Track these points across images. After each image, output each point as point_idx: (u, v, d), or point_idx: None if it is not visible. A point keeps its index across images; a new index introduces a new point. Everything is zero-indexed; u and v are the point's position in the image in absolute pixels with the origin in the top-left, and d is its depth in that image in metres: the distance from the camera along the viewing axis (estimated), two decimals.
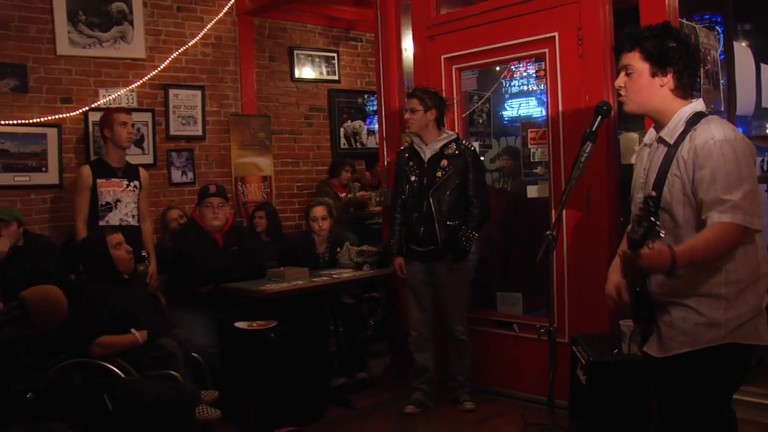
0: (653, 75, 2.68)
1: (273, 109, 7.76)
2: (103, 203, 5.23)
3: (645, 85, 2.69)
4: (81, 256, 4.55)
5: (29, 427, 2.42)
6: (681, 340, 2.60)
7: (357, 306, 5.97)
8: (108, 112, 5.38)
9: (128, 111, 5.54)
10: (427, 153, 4.83)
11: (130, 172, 5.41)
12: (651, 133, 2.83)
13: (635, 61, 2.69)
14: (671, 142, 2.65)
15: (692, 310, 2.58)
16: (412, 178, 4.88)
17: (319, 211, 5.72)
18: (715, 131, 2.53)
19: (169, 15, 6.90)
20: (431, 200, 4.75)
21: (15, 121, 5.87)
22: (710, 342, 2.55)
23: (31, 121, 5.95)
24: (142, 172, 5.54)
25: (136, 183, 5.40)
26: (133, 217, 5.34)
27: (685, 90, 2.71)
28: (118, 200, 5.28)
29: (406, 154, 4.98)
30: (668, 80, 2.68)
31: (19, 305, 1.69)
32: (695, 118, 2.63)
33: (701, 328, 2.56)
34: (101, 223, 5.18)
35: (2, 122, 5.80)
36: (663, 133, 2.70)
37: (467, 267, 4.91)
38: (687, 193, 2.56)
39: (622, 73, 2.74)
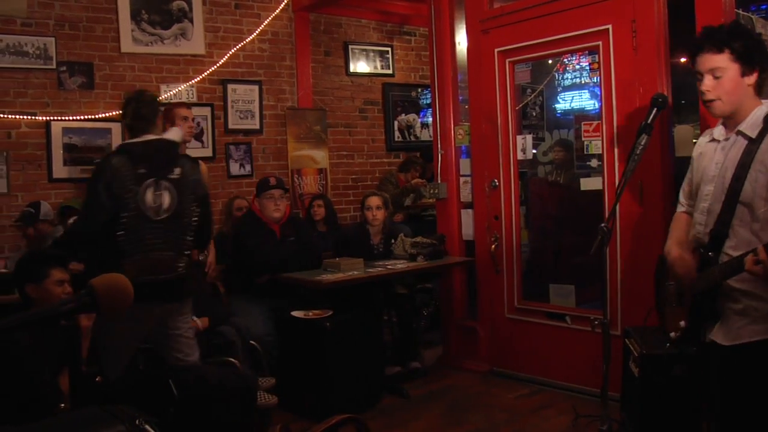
0: (743, 75, 2.69)
1: (328, 102, 7.87)
2: None
3: (736, 86, 2.69)
4: None
5: (100, 408, 2.52)
6: (753, 329, 2.62)
7: (411, 296, 6.03)
8: (169, 107, 5.36)
9: (189, 106, 5.65)
10: None
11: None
12: (720, 129, 2.83)
13: (725, 62, 2.67)
14: (753, 137, 2.66)
15: (766, 300, 2.61)
16: None
17: (374, 200, 5.79)
18: None
19: (227, 12, 7.05)
20: None
21: (82, 117, 6.09)
22: None
23: (96, 116, 6.16)
24: (202, 165, 5.66)
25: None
26: None
27: (762, 87, 2.73)
28: None
29: None
30: (753, 78, 2.69)
31: (88, 293, 1.76)
32: None
33: None
34: None
35: (70, 118, 6.03)
36: (743, 127, 2.70)
37: None
38: None
39: (708, 77, 2.71)
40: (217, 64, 6.88)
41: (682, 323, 2.99)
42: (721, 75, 2.68)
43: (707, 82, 2.72)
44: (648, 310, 3.90)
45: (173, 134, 4.23)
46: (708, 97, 2.74)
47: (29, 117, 5.91)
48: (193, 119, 5.46)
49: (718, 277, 2.67)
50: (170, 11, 6.65)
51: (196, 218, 3.98)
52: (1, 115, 5.80)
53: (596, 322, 3.54)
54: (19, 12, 5.89)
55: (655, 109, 3.30)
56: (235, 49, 7.00)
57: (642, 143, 3.27)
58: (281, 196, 5.34)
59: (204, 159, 6.01)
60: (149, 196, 3.80)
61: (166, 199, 3.83)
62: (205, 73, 6.81)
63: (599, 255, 3.34)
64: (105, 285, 1.77)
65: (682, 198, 3.17)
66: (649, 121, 3.27)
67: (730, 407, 2.76)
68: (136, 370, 4.11)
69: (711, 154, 2.84)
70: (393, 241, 5.82)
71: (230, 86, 7.04)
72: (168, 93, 6.59)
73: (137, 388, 3.67)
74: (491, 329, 5.61)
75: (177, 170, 3.95)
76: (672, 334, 3.14)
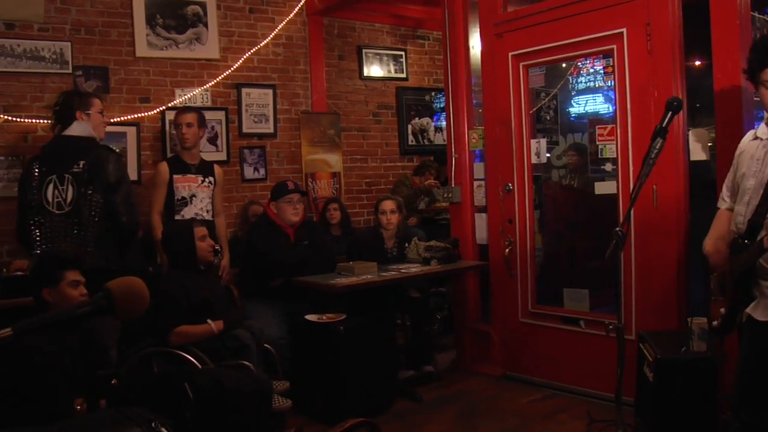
0: None
1: (342, 106, 7.88)
2: (179, 198, 5.42)
3: None
4: (166, 243, 4.72)
5: (115, 411, 2.52)
6: None
7: (424, 300, 6.03)
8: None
9: (185, 110, 5.64)
10: None
11: (205, 169, 5.59)
12: (763, 128, 3.07)
13: None
14: None
15: None
16: None
17: (388, 204, 5.80)
18: None
19: (242, 16, 7.08)
20: None
21: None
22: None
23: (112, 120, 6.20)
24: (217, 169, 5.70)
25: (211, 179, 5.57)
26: (207, 212, 5.50)
27: None
28: (194, 195, 5.47)
29: None
30: None
31: (104, 296, 1.78)
32: None
33: None
34: (177, 217, 5.38)
35: None
36: None
37: None
38: None
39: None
40: (232, 68, 6.91)
41: (722, 310, 3.19)
42: None
43: (766, 95, 3.00)
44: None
45: (78, 129, 4.50)
46: None
47: (45, 121, 5.94)
48: (188, 125, 5.48)
49: (747, 260, 2.91)
50: (185, 16, 6.69)
51: (98, 209, 4.29)
52: (18, 119, 5.84)
53: (611, 327, 3.53)
54: (37, 17, 5.94)
55: (670, 112, 3.29)
56: (249, 53, 7.03)
57: (657, 147, 3.27)
58: (299, 200, 5.36)
59: (218, 163, 6.08)
60: (50, 191, 4.30)
61: (69, 193, 4.04)
62: (220, 77, 6.84)
63: (614, 259, 3.34)
64: (121, 288, 1.79)
65: (725, 194, 3.40)
66: (663, 124, 3.27)
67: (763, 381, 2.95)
68: (151, 373, 4.13)
69: (753, 151, 3.07)
70: (407, 245, 5.83)
71: (244, 90, 7.07)
72: (183, 97, 6.62)
73: (153, 390, 3.68)
74: (505, 333, 5.60)
75: (81, 163, 4.31)
76: (714, 323, 3.34)
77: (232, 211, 6.80)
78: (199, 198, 5.49)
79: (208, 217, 5.48)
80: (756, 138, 3.09)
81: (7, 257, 5.71)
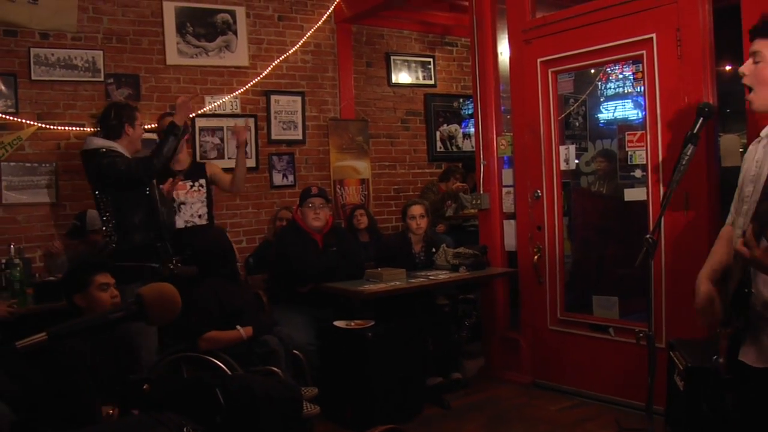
0: None
1: (370, 113, 7.91)
2: None
3: None
4: (201, 250, 4.76)
5: (148, 416, 2.55)
6: None
7: (452, 307, 6.02)
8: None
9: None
10: None
11: (195, 173, 5.48)
12: (766, 130, 2.71)
13: (766, 48, 2.50)
14: None
15: None
16: None
17: (417, 209, 5.81)
18: None
19: (271, 24, 7.14)
20: None
21: None
22: None
23: (143, 127, 6.26)
24: (208, 166, 5.63)
25: (202, 181, 5.47)
26: (200, 216, 5.44)
27: None
28: (182, 203, 5.39)
29: None
30: None
31: (136, 302, 1.80)
32: None
33: None
34: None
35: None
36: None
37: None
38: None
39: (750, 60, 2.56)
40: (261, 76, 6.97)
41: (722, 360, 2.71)
42: (760, 61, 2.52)
43: (746, 65, 2.58)
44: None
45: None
46: (744, 81, 2.58)
47: (78, 128, 6.04)
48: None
49: (739, 271, 2.44)
50: (215, 24, 6.76)
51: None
52: (51, 127, 5.94)
53: (641, 335, 3.50)
54: (70, 27, 6.04)
55: (701, 118, 3.25)
56: (278, 60, 7.09)
57: (688, 153, 3.23)
58: (321, 205, 5.35)
59: (247, 169, 6.10)
60: None
61: None
62: (249, 85, 6.91)
63: (644, 267, 3.30)
64: (153, 294, 1.82)
65: (732, 207, 3.09)
66: (695, 131, 3.23)
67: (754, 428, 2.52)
68: (182, 378, 4.16)
69: (753, 153, 2.66)
70: (433, 249, 5.83)
71: (273, 97, 7.12)
72: (212, 104, 6.69)
73: (184, 396, 3.71)
74: (533, 341, 5.57)
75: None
76: (720, 360, 2.92)
77: (261, 217, 6.86)
78: (188, 205, 5.42)
79: (200, 221, 5.43)
80: (759, 139, 2.67)
81: (39, 263, 5.80)
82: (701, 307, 2.63)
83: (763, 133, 2.66)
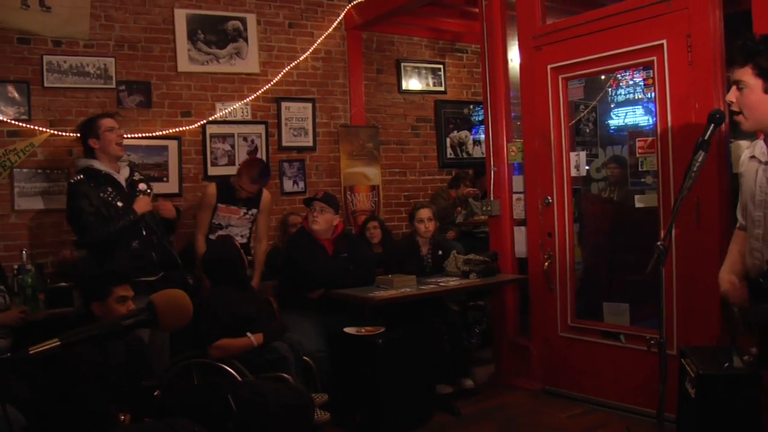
0: (766, 91, 2.63)
1: (381, 120, 7.92)
2: (216, 223, 5.61)
3: (758, 101, 2.65)
4: (209, 258, 4.79)
5: (161, 422, 2.56)
6: None
7: (463, 314, 6.01)
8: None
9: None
10: None
11: (252, 201, 5.71)
12: (761, 147, 2.76)
13: (747, 76, 2.63)
14: None
15: None
16: None
17: (425, 212, 5.83)
18: None
19: (281, 31, 7.17)
20: None
21: (140, 135, 6.25)
22: None
23: (153, 134, 6.31)
24: (265, 195, 5.81)
25: (254, 211, 5.72)
26: (241, 236, 5.66)
27: None
28: (231, 224, 5.64)
29: None
30: None
31: (148, 308, 1.81)
32: None
33: None
34: (210, 236, 5.56)
35: (128, 135, 6.17)
36: None
37: None
38: None
39: (734, 88, 2.68)
40: (271, 83, 7.00)
41: (754, 350, 2.94)
42: (744, 88, 2.66)
43: (731, 93, 2.73)
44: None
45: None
46: (733, 108, 2.74)
47: None
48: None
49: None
50: (225, 31, 6.79)
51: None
52: (63, 134, 5.97)
53: (652, 342, 3.48)
54: (82, 34, 6.09)
55: (712, 125, 3.24)
56: (288, 67, 7.12)
57: (699, 160, 3.21)
58: (322, 209, 5.33)
59: None
60: None
61: None
62: (260, 92, 6.94)
63: (655, 274, 3.29)
64: (164, 301, 1.82)
65: (738, 212, 3.14)
66: (706, 137, 3.21)
67: None
68: (194, 384, 4.17)
69: (753, 174, 2.80)
70: (440, 252, 5.83)
71: (284, 104, 7.14)
72: (223, 111, 6.71)
73: (196, 402, 3.72)
74: (544, 347, 5.56)
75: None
76: (745, 358, 3.09)
77: (272, 224, 6.87)
78: (236, 227, 5.67)
79: (241, 240, 5.60)
80: (753, 157, 2.84)
81: (51, 268, 5.83)
82: (726, 290, 2.86)
83: (758, 153, 2.76)
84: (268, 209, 5.85)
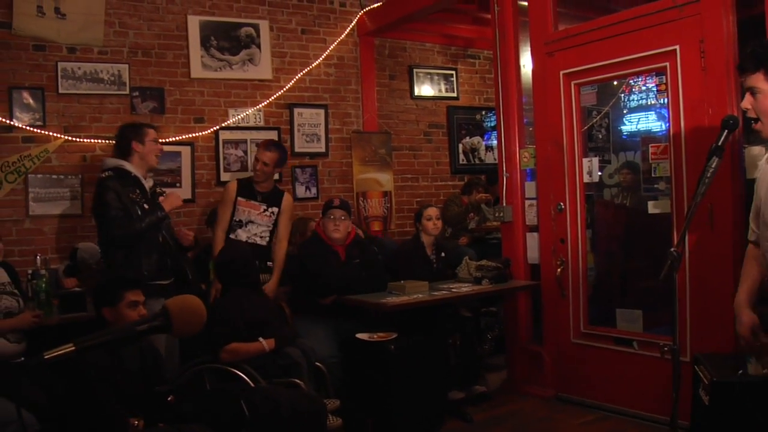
0: None
1: (393, 126, 7.93)
2: (237, 219, 5.58)
3: None
4: (221, 262, 4.80)
5: (174, 428, 2.56)
6: None
7: (475, 320, 5.99)
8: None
9: (269, 147, 5.66)
10: None
11: (272, 199, 5.69)
12: None
13: (760, 82, 2.62)
14: None
15: None
16: None
17: (433, 211, 5.86)
18: None
19: (294, 38, 7.19)
20: None
21: None
22: None
23: (167, 140, 6.34)
24: (287, 197, 5.79)
25: (275, 209, 5.67)
26: (261, 237, 5.63)
27: None
28: (251, 221, 5.60)
29: None
30: None
31: (162, 314, 1.82)
32: None
33: None
34: (231, 235, 5.53)
35: None
36: None
37: None
38: None
39: (748, 95, 2.67)
40: (284, 89, 7.02)
41: None
42: (758, 93, 2.65)
43: (745, 100, 2.72)
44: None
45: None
46: (749, 115, 2.72)
47: (104, 141, 6.11)
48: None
49: None
50: (238, 37, 6.82)
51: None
52: (77, 140, 6.01)
53: (665, 348, 3.46)
54: (96, 41, 6.13)
55: (726, 131, 3.22)
56: (301, 73, 7.15)
57: (713, 166, 3.19)
58: (342, 217, 5.37)
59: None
60: None
61: None
62: (272, 98, 6.96)
63: (669, 280, 3.27)
64: (178, 306, 1.83)
65: (751, 223, 3.10)
66: (720, 143, 3.19)
67: None
68: (207, 390, 4.18)
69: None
70: (443, 254, 5.86)
71: (296, 110, 7.16)
72: (236, 117, 6.74)
73: (209, 407, 3.72)
74: (556, 354, 5.54)
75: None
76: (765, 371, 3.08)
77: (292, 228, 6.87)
78: (255, 224, 5.62)
79: (261, 242, 5.61)
80: None
81: (64, 275, 5.85)
82: (744, 337, 2.82)
83: None
84: (289, 211, 5.81)
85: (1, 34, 5.79)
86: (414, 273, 5.51)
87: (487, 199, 7.38)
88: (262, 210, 5.63)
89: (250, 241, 5.55)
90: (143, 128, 4.86)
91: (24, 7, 5.82)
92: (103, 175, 4.62)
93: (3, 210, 5.78)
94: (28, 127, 5.83)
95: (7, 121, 5.77)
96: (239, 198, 5.58)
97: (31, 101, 5.88)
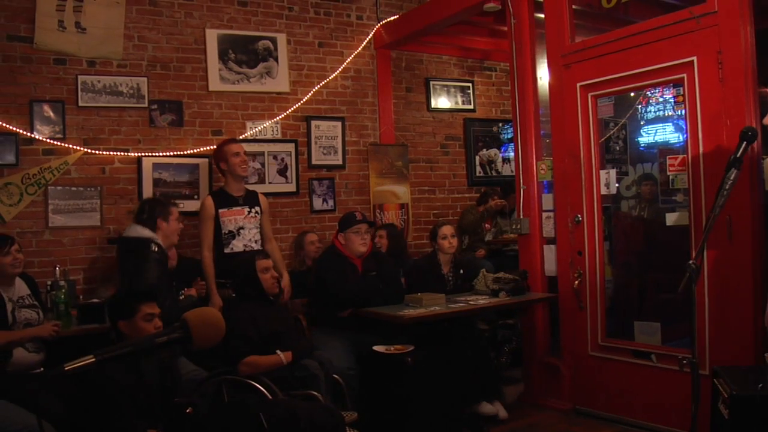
0: None
1: (410, 138, 7.94)
2: (227, 232, 5.56)
3: None
4: (232, 275, 4.83)
5: None
6: None
7: (492, 332, 5.97)
8: (220, 145, 5.71)
9: (235, 141, 5.88)
10: None
11: (251, 199, 5.71)
12: None
13: None
14: None
15: None
16: None
17: (448, 229, 5.82)
18: None
19: (311, 50, 7.24)
20: None
21: (171, 153, 6.33)
22: None
23: (185, 152, 6.39)
24: (261, 197, 5.83)
25: (257, 209, 5.69)
26: (256, 242, 5.64)
27: None
28: (241, 228, 5.60)
29: None
30: None
31: (181, 326, 1.83)
32: None
33: None
34: (226, 250, 5.53)
35: (160, 154, 6.28)
36: None
37: None
38: None
39: None
40: (301, 101, 7.06)
41: None
42: None
43: None
44: None
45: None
46: None
47: (122, 153, 6.17)
48: (245, 152, 5.71)
49: None
50: (256, 51, 6.87)
51: None
52: (97, 152, 6.07)
53: (684, 361, 3.45)
54: (116, 54, 6.19)
55: (745, 142, 3.22)
56: (318, 86, 7.19)
57: (731, 177, 3.20)
58: (367, 230, 5.41)
59: (287, 194, 6.35)
60: None
61: None
62: (290, 110, 7.00)
63: (687, 293, 3.26)
64: (197, 318, 1.84)
65: None
66: (738, 155, 3.20)
67: None
68: (226, 402, 4.19)
69: None
70: (461, 271, 5.82)
71: (314, 122, 7.19)
72: (253, 129, 6.78)
73: (227, 419, 3.73)
74: (574, 367, 5.51)
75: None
76: None
77: (292, 242, 6.88)
78: (246, 230, 5.62)
79: (257, 246, 5.60)
80: None
81: (83, 284, 5.91)
82: None
83: None
84: (267, 209, 5.86)
85: (23, 49, 5.87)
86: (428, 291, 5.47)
87: (503, 205, 7.37)
88: (246, 213, 5.63)
89: (247, 249, 5.53)
90: (168, 207, 5.03)
91: (45, 21, 5.89)
92: (155, 249, 4.71)
93: (23, 222, 5.83)
94: (48, 140, 5.89)
95: (28, 134, 5.83)
96: (220, 210, 5.55)
97: (51, 114, 5.95)
